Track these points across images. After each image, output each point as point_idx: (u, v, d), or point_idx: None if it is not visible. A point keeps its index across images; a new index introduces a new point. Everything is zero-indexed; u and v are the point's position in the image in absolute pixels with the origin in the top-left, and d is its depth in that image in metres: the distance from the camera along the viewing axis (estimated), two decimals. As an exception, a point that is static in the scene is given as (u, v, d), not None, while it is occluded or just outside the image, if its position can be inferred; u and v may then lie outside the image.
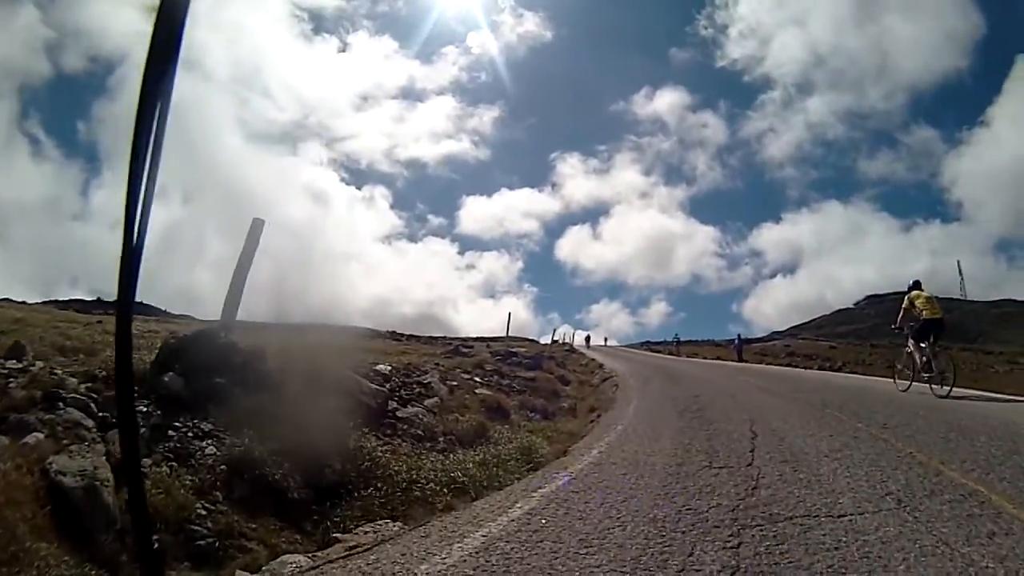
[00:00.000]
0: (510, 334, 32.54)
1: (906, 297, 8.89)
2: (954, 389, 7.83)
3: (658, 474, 4.03)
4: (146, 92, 0.89)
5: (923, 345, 8.42)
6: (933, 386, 8.05)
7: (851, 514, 2.94)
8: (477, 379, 9.91)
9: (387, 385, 7.19)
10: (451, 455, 5.27)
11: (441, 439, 6.05)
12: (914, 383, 8.64)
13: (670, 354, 33.06)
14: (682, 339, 40.44)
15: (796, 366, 24.14)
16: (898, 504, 3.07)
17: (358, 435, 4.93)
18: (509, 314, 43.49)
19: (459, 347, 16.56)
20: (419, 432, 6.02)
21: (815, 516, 2.95)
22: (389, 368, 8.18)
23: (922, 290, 8.71)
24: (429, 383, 8.05)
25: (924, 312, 8.41)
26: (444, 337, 28.22)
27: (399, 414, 6.30)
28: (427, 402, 7.16)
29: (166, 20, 0.90)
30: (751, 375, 14.05)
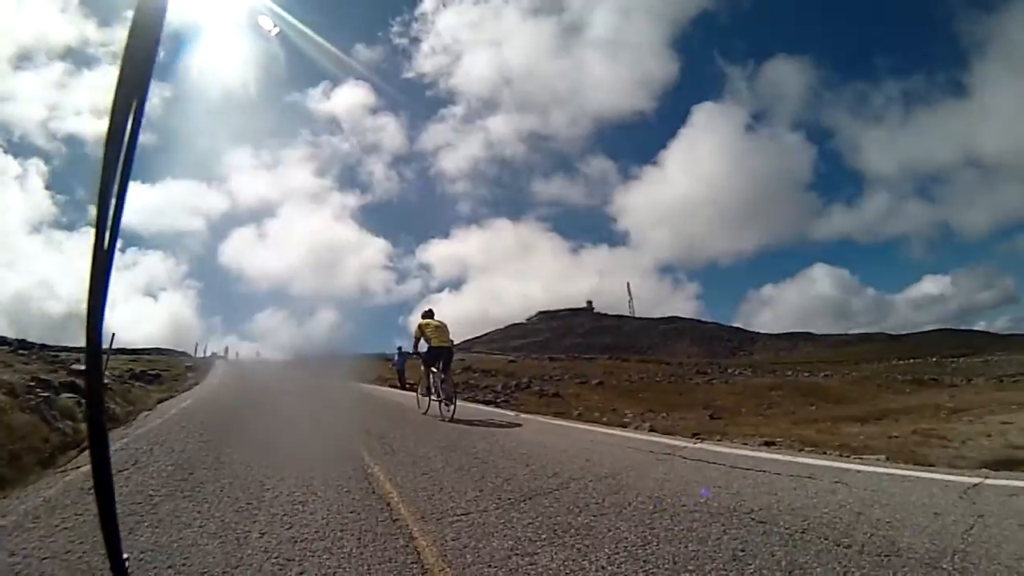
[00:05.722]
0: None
1: (418, 324, 9.08)
2: (457, 408, 8.44)
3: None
4: (120, 94, 0.90)
5: (434, 369, 8.94)
6: (442, 407, 8.58)
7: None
8: None
9: None
10: None
11: None
12: (432, 405, 8.95)
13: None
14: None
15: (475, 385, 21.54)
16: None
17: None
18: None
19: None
20: None
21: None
22: None
23: (433, 318, 9.04)
24: None
25: (432, 340, 8.82)
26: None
27: None
28: None
29: (141, 28, 0.91)
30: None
